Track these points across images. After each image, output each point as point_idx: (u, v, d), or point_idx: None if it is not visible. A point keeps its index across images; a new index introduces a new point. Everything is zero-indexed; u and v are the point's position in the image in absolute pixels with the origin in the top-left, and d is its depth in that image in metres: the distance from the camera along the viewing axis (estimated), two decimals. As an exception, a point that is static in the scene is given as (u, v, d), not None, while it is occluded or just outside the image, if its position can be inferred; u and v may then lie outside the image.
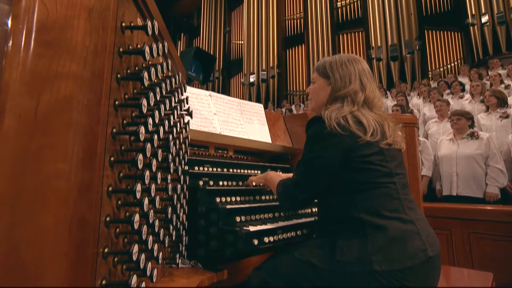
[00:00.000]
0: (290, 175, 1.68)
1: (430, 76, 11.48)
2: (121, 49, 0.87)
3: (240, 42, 17.32)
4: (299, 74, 15.20)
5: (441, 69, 12.18)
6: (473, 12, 11.07)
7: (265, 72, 15.34)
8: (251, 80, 15.58)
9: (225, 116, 2.31)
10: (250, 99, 14.89)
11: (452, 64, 12.15)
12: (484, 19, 10.75)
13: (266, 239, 1.51)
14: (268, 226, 1.58)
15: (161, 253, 1.08)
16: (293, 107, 13.00)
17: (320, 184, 1.48)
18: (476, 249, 3.27)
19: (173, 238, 1.33)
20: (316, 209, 2.04)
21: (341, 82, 1.58)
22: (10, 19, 0.67)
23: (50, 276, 0.66)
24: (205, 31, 18.48)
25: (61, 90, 0.68)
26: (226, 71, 17.83)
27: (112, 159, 0.82)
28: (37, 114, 0.65)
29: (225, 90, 17.39)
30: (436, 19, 12.66)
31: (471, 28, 11.14)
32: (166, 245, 1.21)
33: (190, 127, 1.72)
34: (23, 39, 0.67)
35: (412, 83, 11.18)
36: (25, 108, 0.64)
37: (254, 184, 1.93)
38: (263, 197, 1.93)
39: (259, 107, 2.63)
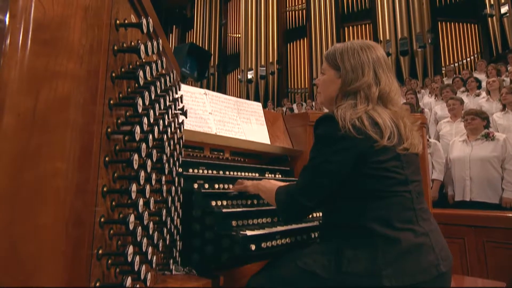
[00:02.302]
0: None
1: (443, 72, 11.55)
2: (115, 47, 0.94)
3: (237, 35, 17.40)
4: (301, 70, 15.28)
5: (456, 65, 12.25)
6: (491, 2, 11.14)
7: (264, 68, 15.42)
8: (249, 76, 15.66)
9: (221, 116, 2.38)
10: (248, 97, 14.95)
11: (468, 59, 12.23)
12: (504, 9, 10.81)
13: (263, 244, 1.57)
14: (266, 231, 1.64)
15: (155, 257, 1.14)
16: (294, 106, 13.06)
17: (329, 190, 1.47)
18: (492, 258, 3.27)
19: (167, 242, 1.39)
20: (318, 214, 2.10)
21: (353, 74, 1.56)
22: (7, 17, 0.74)
23: (47, 274, 0.72)
24: (199, 23, 18.56)
25: (58, 88, 0.75)
26: (222, 67, 17.90)
27: (107, 159, 0.89)
28: (36, 112, 0.71)
29: (221, 87, 17.45)
30: (451, 10, 12.74)
31: (489, 19, 11.22)
32: (160, 250, 1.27)
33: (185, 127, 1.78)
34: (21, 38, 0.73)
35: (423, 80, 11.22)
36: (24, 107, 0.70)
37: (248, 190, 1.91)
38: (260, 201, 1.99)
39: (257, 106, 2.70)
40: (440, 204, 4.74)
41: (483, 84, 7.34)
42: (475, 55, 12.10)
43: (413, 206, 1.44)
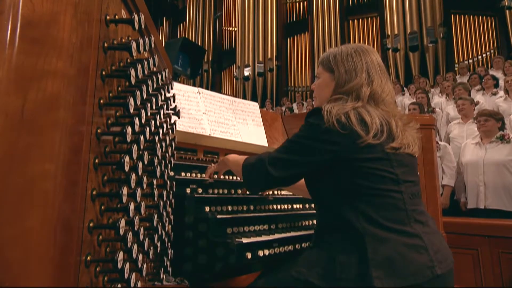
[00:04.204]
0: None
1: (456, 69, 11.57)
2: (105, 45, 0.98)
3: (233, 29, 17.43)
4: (301, 67, 15.30)
5: (470, 61, 12.23)
6: (510, -7, 11.17)
7: (262, 65, 15.44)
8: (246, 73, 15.67)
9: (216, 116, 2.42)
10: (244, 96, 14.97)
11: (484, 55, 12.20)
12: (524, 0, 10.85)
13: (260, 253, 1.61)
14: (263, 238, 1.68)
15: (145, 266, 1.18)
16: (294, 105, 13.09)
17: (298, 170, 1.60)
18: (508, 271, 3.30)
19: (158, 250, 1.42)
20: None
21: (346, 75, 1.68)
22: (-6, 15, 0.78)
23: (34, 280, 0.75)
24: (191, 15, 18.58)
25: (47, 88, 0.78)
26: (217, 63, 17.92)
27: (96, 161, 0.93)
28: (24, 113, 0.75)
29: (215, 85, 17.46)
30: (465, 2, 12.69)
31: (507, 11, 11.22)
32: (151, 258, 1.31)
33: (177, 128, 1.81)
34: (8, 35, 0.77)
35: (434, 78, 11.25)
36: (12, 107, 0.74)
37: (213, 176, 2.04)
38: (257, 207, 2.04)
39: (254, 106, 2.74)
40: (452, 212, 4.78)
41: (501, 82, 7.36)
42: (492, 51, 12.10)
43: (405, 207, 1.51)
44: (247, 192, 2.08)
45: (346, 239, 1.49)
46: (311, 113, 1.62)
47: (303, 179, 1.73)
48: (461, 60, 12.35)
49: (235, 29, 16.99)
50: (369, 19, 14.20)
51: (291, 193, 2.34)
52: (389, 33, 13.08)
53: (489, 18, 12.41)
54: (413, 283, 1.37)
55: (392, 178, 1.52)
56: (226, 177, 2.20)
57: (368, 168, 1.50)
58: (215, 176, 2.06)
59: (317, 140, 1.54)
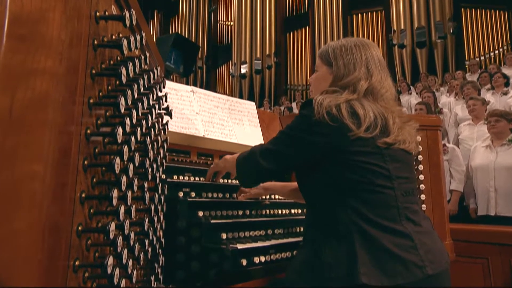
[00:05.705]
0: (289, 183, 1.82)
1: (466, 67, 11.58)
2: (95, 42, 1.01)
3: (229, 23, 17.44)
4: (301, 64, 15.30)
5: (481, 58, 12.25)
6: (524, -15, 11.21)
7: (260, 62, 15.44)
8: (243, 71, 15.67)
9: (210, 116, 2.45)
10: (240, 95, 14.97)
11: (496, 52, 12.22)
12: (539, -8, 10.88)
13: (256, 259, 1.63)
14: (259, 244, 1.71)
15: (135, 272, 1.20)
16: (293, 104, 13.08)
17: (290, 162, 1.67)
18: None
19: (149, 256, 1.45)
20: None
21: (344, 69, 1.72)
22: (-19, 11, 0.81)
23: (22, 282, 0.78)
24: (185, 8, 18.56)
25: (36, 87, 0.81)
26: (212, 59, 17.91)
27: (86, 162, 0.96)
28: (12, 112, 0.78)
29: (210, 83, 17.46)
30: (477, -6, 12.78)
31: (522, 4, 11.29)
32: (141, 264, 1.33)
33: (169, 129, 1.84)
34: (-4, 32, 0.81)
35: (443, 76, 11.26)
36: (0, 106, 0.77)
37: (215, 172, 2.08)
38: (253, 212, 2.07)
39: (251, 105, 2.78)
40: (460, 218, 4.79)
41: (512, 81, 7.39)
42: (504, 47, 12.12)
43: (397, 204, 1.55)
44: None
45: (334, 237, 1.53)
46: (305, 104, 1.66)
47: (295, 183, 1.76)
48: (471, 57, 12.37)
49: (231, 23, 17.00)
50: (374, 13, 14.21)
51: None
52: (395, 28, 13.09)
53: (502, 12, 12.44)
54: (403, 282, 1.40)
55: (383, 173, 1.55)
56: (221, 180, 2.23)
57: (359, 161, 1.54)
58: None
59: (308, 132, 1.58)
